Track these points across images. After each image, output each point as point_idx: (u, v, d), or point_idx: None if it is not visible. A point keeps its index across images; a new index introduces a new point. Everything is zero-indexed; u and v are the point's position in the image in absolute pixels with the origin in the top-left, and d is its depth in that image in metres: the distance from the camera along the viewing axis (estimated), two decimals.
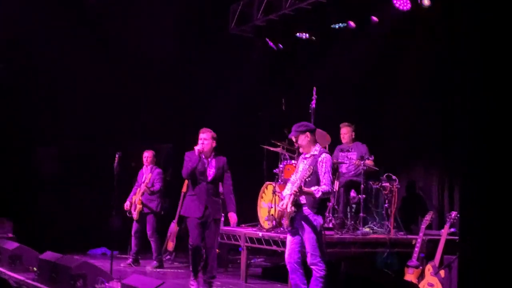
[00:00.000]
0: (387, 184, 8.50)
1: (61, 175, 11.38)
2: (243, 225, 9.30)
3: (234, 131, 11.24)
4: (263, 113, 9.62)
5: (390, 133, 9.92)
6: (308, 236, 6.07)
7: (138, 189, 9.48)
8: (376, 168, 8.74)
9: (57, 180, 11.30)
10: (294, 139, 6.37)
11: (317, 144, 6.33)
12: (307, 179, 5.96)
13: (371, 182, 8.67)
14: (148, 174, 9.54)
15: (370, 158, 8.69)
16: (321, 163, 6.13)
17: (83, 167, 11.34)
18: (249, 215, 9.35)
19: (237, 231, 8.79)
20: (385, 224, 8.42)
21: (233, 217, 7.45)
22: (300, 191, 5.98)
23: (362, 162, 8.52)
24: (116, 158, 8.11)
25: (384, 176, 8.60)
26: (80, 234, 10.92)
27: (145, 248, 9.63)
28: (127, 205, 9.48)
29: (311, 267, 6.10)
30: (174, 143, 11.53)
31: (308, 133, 6.29)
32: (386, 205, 8.47)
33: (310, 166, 6.04)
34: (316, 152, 6.22)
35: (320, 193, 6.02)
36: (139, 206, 9.41)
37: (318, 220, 6.12)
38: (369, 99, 10.11)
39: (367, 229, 8.33)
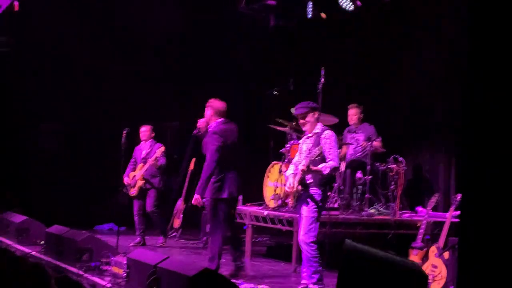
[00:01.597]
0: (394, 165, 8.46)
1: (68, 151, 11.42)
2: (248, 203, 9.34)
3: (241, 109, 11.24)
4: (271, 92, 9.58)
5: (398, 114, 9.88)
6: (308, 214, 6.08)
7: (141, 164, 9.37)
8: (383, 150, 8.72)
9: (64, 156, 11.34)
10: (300, 116, 6.29)
11: (319, 123, 6.31)
12: (316, 158, 5.96)
13: (377, 164, 8.65)
14: (148, 149, 9.46)
15: (378, 140, 8.67)
16: (324, 140, 6.11)
17: (90, 143, 11.37)
18: (255, 194, 9.38)
19: (242, 210, 8.80)
20: (390, 206, 8.41)
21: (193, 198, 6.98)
22: (307, 170, 5.98)
23: (369, 143, 8.50)
24: (123, 135, 8.13)
25: (391, 157, 8.58)
26: (87, 209, 10.99)
27: (151, 225, 9.62)
28: (126, 180, 9.32)
29: (303, 246, 6.10)
30: (181, 121, 11.53)
31: (316, 112, 6.29)
32: (392, 186, 8.45)
33: (315, 146, 6.04)
34: (318, 130, 6.20)
35: (328, 170, 6.01)
36: (140, 182, 9.26)
37: (322, 199, 6.13)
38: (377, 80, 10.07)
39: (372, 210, 8.32)
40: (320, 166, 6.01)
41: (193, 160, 10.17)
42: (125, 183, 9.37)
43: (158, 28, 11.24)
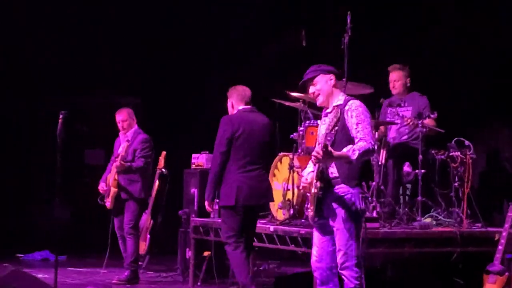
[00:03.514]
0: (458, 153, 8.50)
1: None
2: None
3: (232, 80, 11.23)
4: (273, 51, 9.59)
5: (461, 78, 9.91)
6: (342, 226, 6.05)
7: (114, 164, 9.44)
8: (441, 130, 8.76)
9: None
10: (309, 83, 6.25)
11: (342, 92, 6.31)
12: (332, 131, 5.82)
13: (433, 151, 8.68)
14: (126, 143, 9.48)
15: (433, 116, 8.69)
16: (349, 113, 6.02)
17: (10, 133, 11.39)
18: None
19: None
20: (454, 212, 8.46)
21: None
22: (325, 154, 5.87)
23: (420, 121, 8.53)
24: (59, 120, 8.14)
25: (453, 142, 8.62)
26: (8, 231, 11.02)
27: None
28: (102, 186, 9.51)
29: (342, 272, 6.11)
30: (143, 96, 11.56)
31: (332, 76, 6.26)
32: (456, 184, 8.50)
33: (333, 118, 5.97)
34: (340, 102, 6.17)
35: (357, 153, 5.86)
36: (113, 190, 9.37)
37: (358, 201, 6.11)
38: (428, 29, 10.09)
39: (428, 220, 8.36)
40: (345, 149, 5.94)
41: (163, 153, 10.23)
42: (100, 190, 9.48)
43: None
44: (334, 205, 6.07)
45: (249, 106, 7.87)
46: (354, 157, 5.88)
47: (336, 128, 5.88)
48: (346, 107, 6.05)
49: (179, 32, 11.99)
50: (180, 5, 11.87)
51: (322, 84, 6.23)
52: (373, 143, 6.04)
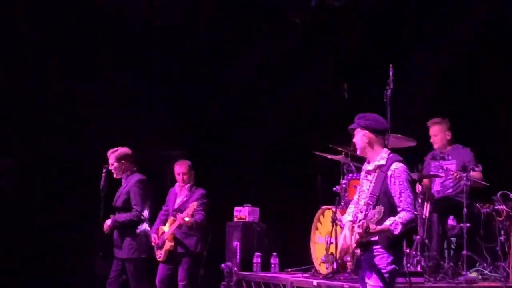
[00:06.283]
0: (503, 206, 8.46)
1: (21, 198, 11.49)
2: (289, 269, 9.33)
3: (272, 134, 11.25)
4: (316, 105, 9.64)
5: (506, 131, 9.87)
6: (374, 284, 6.03)
7: (172, 218, 9.35)
8: (486, 183, 8.72)
9: (14, 205, 11.41)
10: (351, 132, 6.29)
11: (385, 149, 6.26)
12: (375, 219, 5.88)
13: (478, 205, 8.66)
14: (186, 197, 9.42)
15: (477, 169, 8.68)
16: (392, 179, 6.01)
17: (54, 186, 11.46)
18: (298, 255, 9.38)
19: (280, 278, 8.80)
20: (500, 267, 8.38)
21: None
22: (366, 233, 5.91)
23: (464, 174, 8.50)
24: (103, 174, 8.20)
25: (498, 195, 8.57)
26: (49, 283, 11.04)
27: None
28: (154, 238, 9.27)
29: None
30: (186, 150, 11.61)
31: (367, 132, 6.24)
32: (501, 238, 8.45)
33: (379, 187, 5.98)
34: (383, 162, 6.12)
35: (400, 228, 5.89)
36: (169, 244, 9.27)
37: (390, 265, 6.10)
38: (475, 82, 10.08)
39: (473, 274, 8.32)
40: (388, 223, 5.93)
41: None
42: (153, 242, 9.22)
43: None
44: (370, 263, 6.07)
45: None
46: (397, 231, 5.91)
47: (381, 217, 5.90)
48: (389, 173, 6.02)
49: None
50: None
51: (358, 138, 6.24)
52: (415, 212, 6.09)
